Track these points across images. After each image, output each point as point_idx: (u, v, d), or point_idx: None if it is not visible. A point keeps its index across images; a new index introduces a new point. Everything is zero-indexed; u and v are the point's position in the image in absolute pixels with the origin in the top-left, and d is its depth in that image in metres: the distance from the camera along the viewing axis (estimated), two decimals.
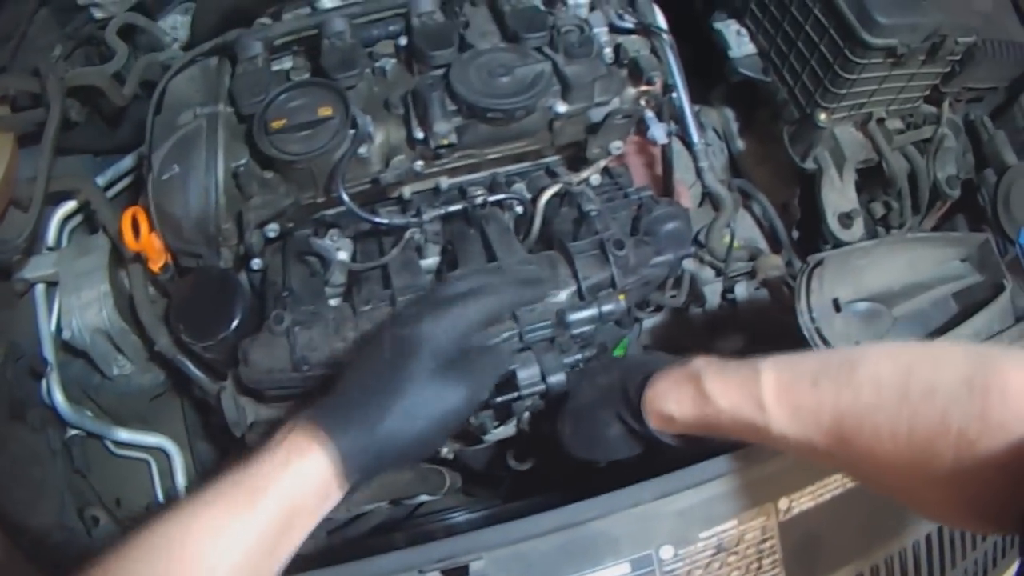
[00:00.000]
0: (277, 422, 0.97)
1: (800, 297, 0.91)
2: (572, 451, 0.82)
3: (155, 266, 1.01)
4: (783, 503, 0.81)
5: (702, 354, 0.72)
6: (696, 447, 0.74)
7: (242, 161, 0.98)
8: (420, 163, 0.99)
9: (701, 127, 1.15)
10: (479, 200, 0.99)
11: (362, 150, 0.98)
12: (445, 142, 0.95)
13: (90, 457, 1.17)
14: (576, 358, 0.91)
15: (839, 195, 1.13)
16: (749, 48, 1.18)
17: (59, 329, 1.11)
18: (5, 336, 1.12)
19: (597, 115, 1.02)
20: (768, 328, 1.10)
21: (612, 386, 0.79)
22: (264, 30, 1.08)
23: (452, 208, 0.99)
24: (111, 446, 1.18)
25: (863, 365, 0.59)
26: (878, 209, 1.26)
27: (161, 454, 1.20)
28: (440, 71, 1.01)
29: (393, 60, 1.05)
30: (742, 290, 1.15)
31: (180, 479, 1.18)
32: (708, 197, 1.08)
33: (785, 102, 1.15)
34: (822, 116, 1.07)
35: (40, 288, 1.12)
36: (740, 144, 1.26)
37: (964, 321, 0.97)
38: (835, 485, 0.83)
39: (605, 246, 0.94)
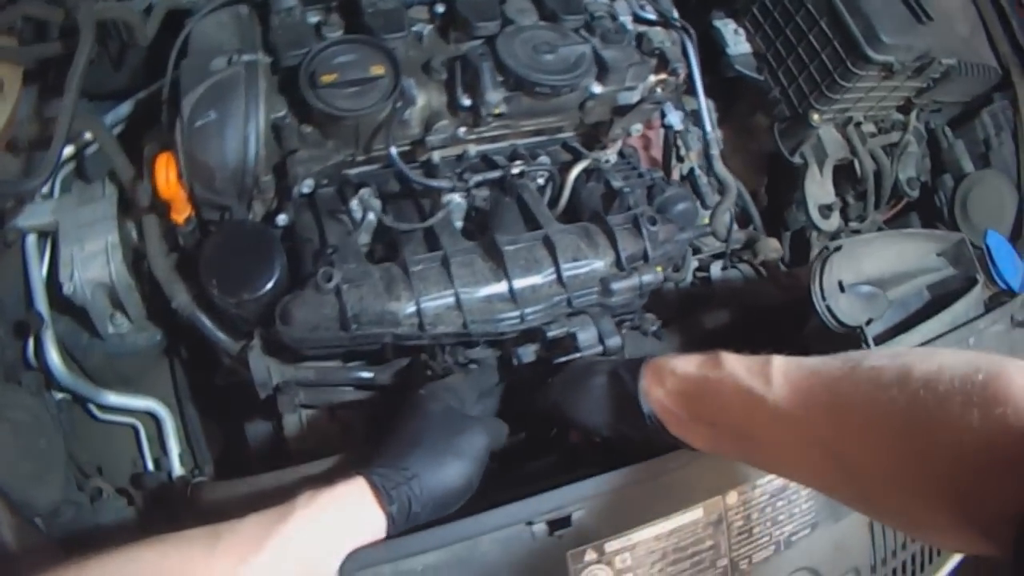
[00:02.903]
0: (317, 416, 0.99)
1: (815, 278, 1.00)
2: (560, 404, 0.86)
3: (179, 217, 0.96)
4: None
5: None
6: (652, 440, 0.78)
7: (282, 113, 0.96)
8: (463, 129, 1.01)
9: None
10: (516, 170, 1.02)
11: (404, 112, 0.98)
12: (496, 111, 0.98)
13: (74, 422, 1.09)
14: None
15: (819, 188, 1.25)
16: (745, 47, 1.28)
17: (53, 283, 1.02)
18: None
19: (624, 98, 1.08)
20: (757, 302, 1.19)
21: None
22: None
23: (492, 175, 1.02)
24: (95, 410, 1.10)
25: (865, 360, 0.63)
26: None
27: (149, 419, 1.13)
28: (479, 42, 1.03)
29: (429, 26, 1.06)
30: (716, 269, 1.24)
31: (172, 445, 1.12)
32: (717, 181, 1.16)
33: (777, 100, 1.26)
34: (815, 117, 1.18)
35: (32, 238, 1.02)
36: (717, 133, 1.35)
37: (940, 309, 1.08)
38: None
39: (639, 221, 1.00)
